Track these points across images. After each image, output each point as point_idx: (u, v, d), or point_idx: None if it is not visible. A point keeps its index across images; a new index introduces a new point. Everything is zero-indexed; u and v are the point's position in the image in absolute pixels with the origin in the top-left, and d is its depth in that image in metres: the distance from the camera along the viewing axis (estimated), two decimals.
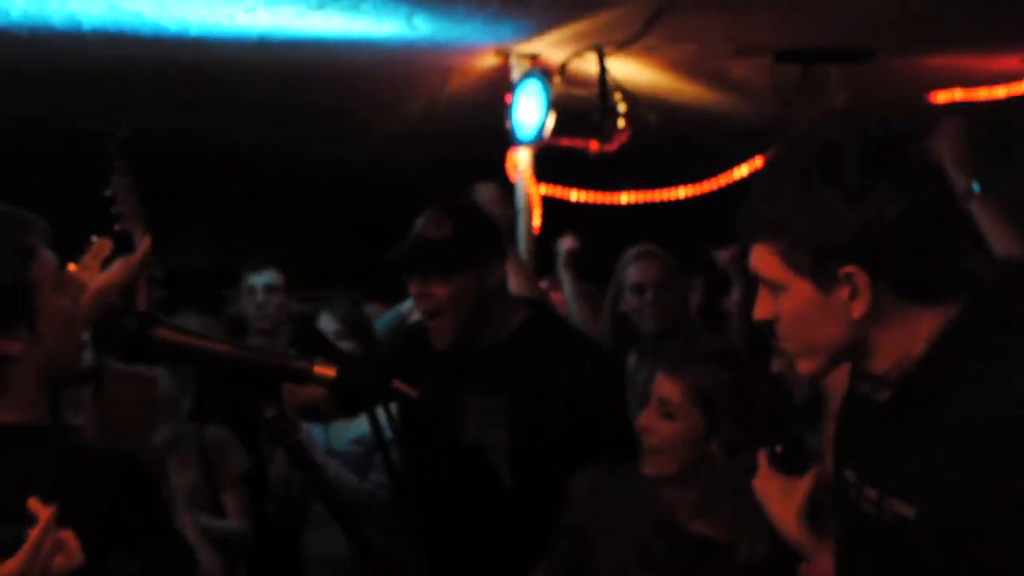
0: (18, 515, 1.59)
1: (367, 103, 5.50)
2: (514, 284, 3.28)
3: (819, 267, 1.52)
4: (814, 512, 1.85)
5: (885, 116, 4.89)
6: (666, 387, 2.27)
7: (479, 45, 4.55)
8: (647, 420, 2.29)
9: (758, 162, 4.74)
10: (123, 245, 2.53)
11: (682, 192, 5.03)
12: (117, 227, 2.53)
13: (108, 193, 2.55)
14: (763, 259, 1.57)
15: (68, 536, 1.56)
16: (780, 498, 1.87)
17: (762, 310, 1.62)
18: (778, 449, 1.85)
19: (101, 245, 2.78)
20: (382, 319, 4.42)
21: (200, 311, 4.05)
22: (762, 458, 1.89)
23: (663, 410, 2.25)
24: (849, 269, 1.50)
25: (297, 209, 7.12)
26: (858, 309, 1.52)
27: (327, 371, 1.47)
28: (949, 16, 4.24)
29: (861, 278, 1.50)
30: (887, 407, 1.59)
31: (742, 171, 4.86)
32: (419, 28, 4.29)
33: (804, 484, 1.85)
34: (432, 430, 2.80)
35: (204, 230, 7.59)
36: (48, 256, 1.82)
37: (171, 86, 5.16)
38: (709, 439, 2.21)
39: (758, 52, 4.48)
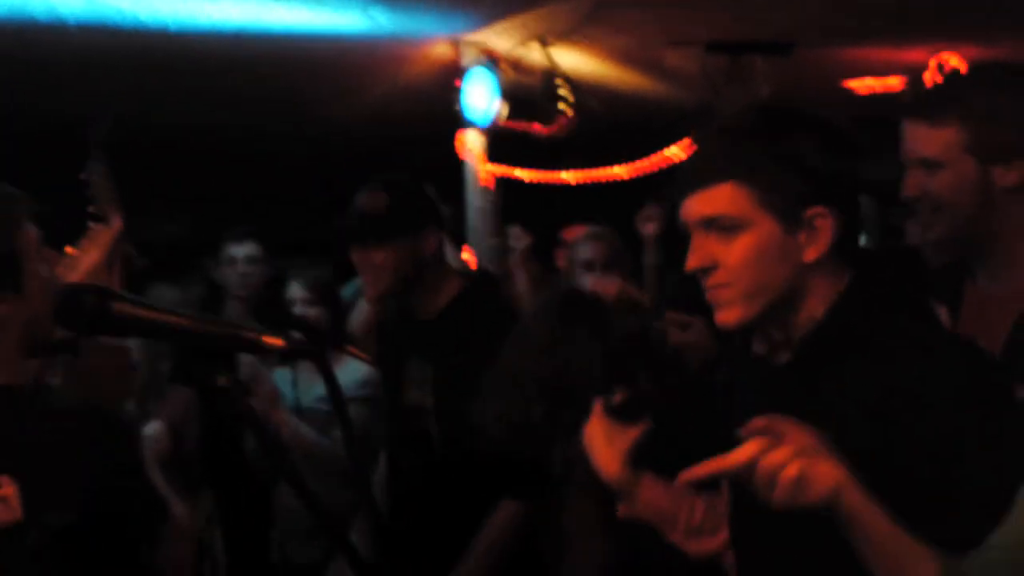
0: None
1: (330, 88, 5.46)
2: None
3: (789, 206, 1.50)
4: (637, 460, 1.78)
5: (805, 103, 4.91)
6: None
7: (432, 36, 4.55)
8: None
9: (688, 143, 4.75)
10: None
11: (619, 170, 5.03)
12: (91, 208, 2.51)
13: (83, 176, 2.52)
14: (728, 197, 1.52)
15: (9, 492, 1.57)
16: (605, 443, 1.79)
17: (700, 258, 1.55)
18: (617, 399, 1.78)
19: (98, 230, 2.76)
20: (348, 286, 4.40)
21: (177, 281, 4.01)
22: (598, 405, 1.81)
23: None
24: (818, 210, 1.49)
25: (267, 185, 7.06)
26: (814, 252, 1.51)
27: (275, 341, 1.45)
28: (862, 11, 4.26)
29: (827, 221, 1.50)
30: (788, 369, 1.59)
31: (673, 151, 4.87)
32: (376, 20, 4.27)
33: (633, 433, 1.78)
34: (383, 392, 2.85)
35: (183, 204, 7.50)
36: (31, 227, 1.85)
37: (148, 75, 5.09)
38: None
39: (689, 43, 4.49)
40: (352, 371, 3.58)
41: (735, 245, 1.53)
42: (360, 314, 3.76)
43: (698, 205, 1.55)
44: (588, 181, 4.86)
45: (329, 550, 3.47)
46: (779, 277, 1.53)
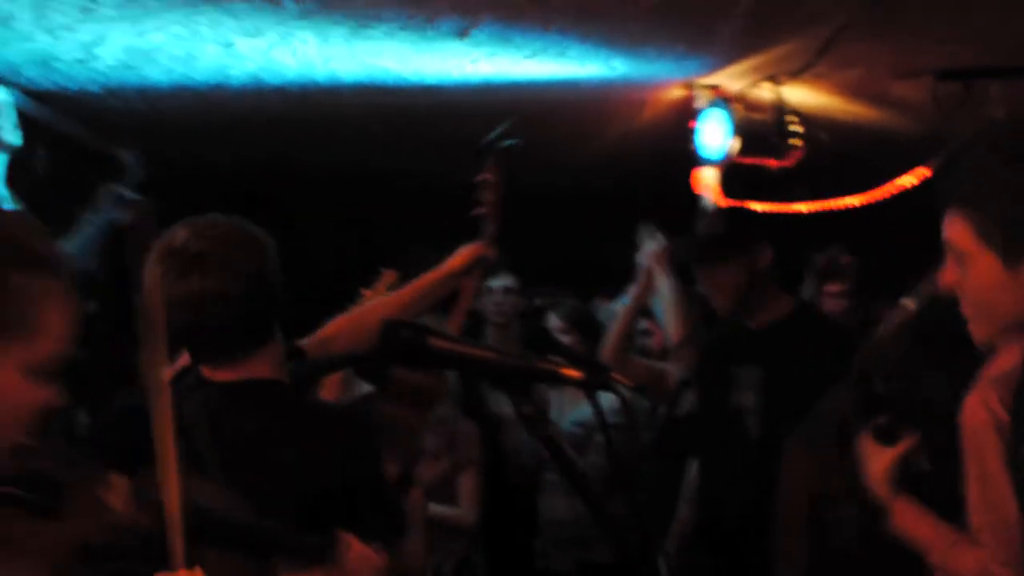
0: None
1: (572, 134, 5.47)
2: None
3: (1009, 240, 1.42)
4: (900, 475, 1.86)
5: None
6: None
7: (667, 80, 4.48)
8: None
9: (922, 172, 4.45)
10: None
11: (854, 201, 4.77)
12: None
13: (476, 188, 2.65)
14: (956, 228, 1.50)
15: None
16: (873, 460, 1.86)
17: (948, 276, 1.54)
18: (882, 421, 1.86)
19: (389, 275, 2.92)
20: (606, 309, 4.41)
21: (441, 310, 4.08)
22: (869, 427, 1.89)
23: None
24: None
25: (518, 222, 7.16)
26: None
27: (573, 373, 1.42)
28: None
29: None
30: None
31: (907, 180, 4.57)
32: (616, 68, 4.25)
33: (894, 452, 1.84)
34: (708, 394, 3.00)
35: (441, 239, 7.70)
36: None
37: (410, 127, 5.25)
38: None
39: (920, 73, 4.21)
40: (607, 398, 3.54)
41: (965, 272, 1.51)
42: (608, 340, 3.71)
43: (944, 228, 1.55)
44: (821, 211, 4.64)
45: (584, 561, 3.44)
46: (1006, 307, 1.44)
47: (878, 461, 1.86)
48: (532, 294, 4.51)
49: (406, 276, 2.65)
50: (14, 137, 3.39)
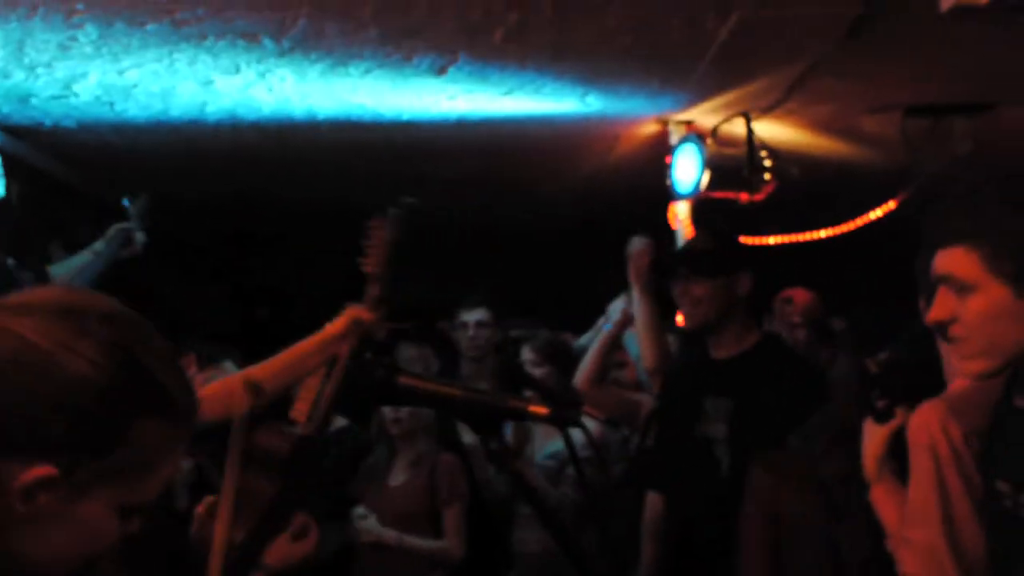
0: None
1: (546, 168, 5.52)
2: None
3: (1022, 269, 1.43)
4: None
5: (1006, 162, 4.59)
6: None
7: (642, 116, 4.52)
8: None
9: (890, 205, 4.51)
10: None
11: (823, 233, 4.82)
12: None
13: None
14: (960, 260, 1.49)
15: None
16: (868, 439, 1.90)
17: (941, 311, 1.53)
18: (880, 405, 1.90)
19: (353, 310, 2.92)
20: (581, 339, 4.42)
21: (419, 341, 4.11)
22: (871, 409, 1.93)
23: None
24: None
25: (494, 256, 7.19)
26: None
27: (540, 410, 1.43)
28: None
29: None
30: None
31: (876, 214, 4.63)
32: (591, 104, 4.29)
33: (883, 431, 1.87)
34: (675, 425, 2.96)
35: (422, 275, 7.71)
36: None
37: (387, 163, 5.28)
38: None
39: (889, 108, 4.28)
40: (577, 433, 3.55)
41: (968, 306, 1.49)
42: (582, 371, 3.73)
43: (939, 261, 1.53)
44: (791, 243, 4.68)
45: None
46: (1013, 339, 1.44)
47: (872, 440, 1.90)
48: (507, 327, 4.51)
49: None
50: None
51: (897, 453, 1.88)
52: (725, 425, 2.74)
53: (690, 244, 3.03)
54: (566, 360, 3.71)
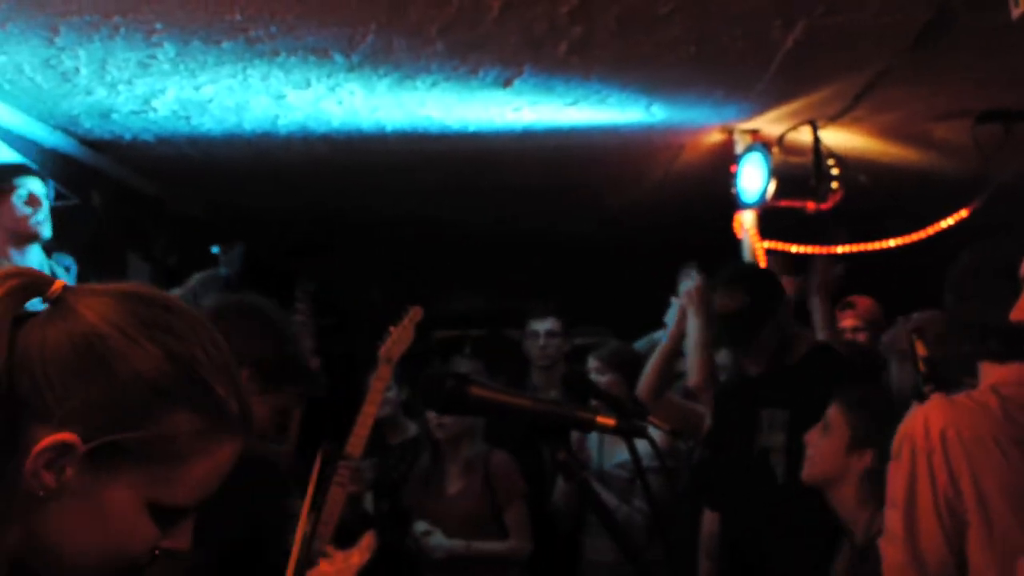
0: None
1: (611, 178, 5.52)
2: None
3: None
4: None
5: None
6: None
7: (707, 125, 4.50)
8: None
9: (962, 214, 4.42)
10: None
11: (892, 242, 4.75)
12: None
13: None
14: None
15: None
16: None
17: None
18: (928, 390, 1.95)
19: (416, 311, 3.01)
20: (638, 342, 4.43)
21: (470, 355, 4.16)
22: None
23: None
24: None
25: (557, 266, 7.21)
26: None
27: (608, 421, 1.45)
28: None
29: None
30: None
31: (947, 222, 4.54)
32: (656, 114, 4.29)
33: None
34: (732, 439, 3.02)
35: (484, 283, 7.77)
36: None
37: (454, 174, 5.33)
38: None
39: (960, 115, 4.20)
40: (620, 452, 3.55)
41: None
42: (644, 380, 3.73)
43: None
44: (860, 252, 4.62)
45: None
46: None
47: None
48: (574, 336, 4.53)
49: (436, 313, 2.75)
50: (49, 230, 3.47)
51: None
52: (783, 434, 2.76)
53: (720, 309, 3.05)
54: (631, 369, 3.72)
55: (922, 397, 1.92)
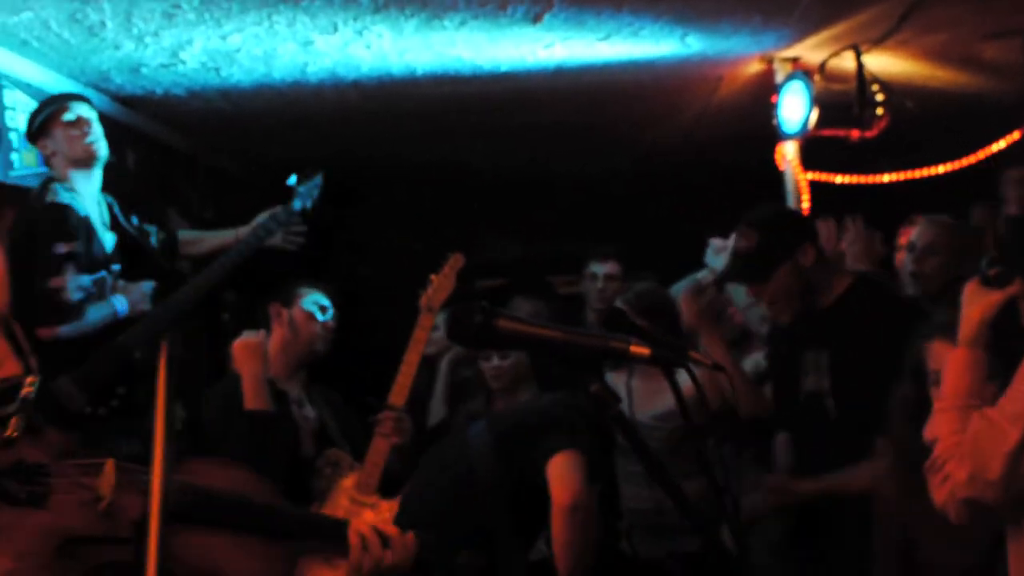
0: None
1: (647, 115, 5.46)
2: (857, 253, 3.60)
3: None
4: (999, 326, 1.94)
5: None
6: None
7: (745, 55, 4.44)
8: None
9: (1015, 136, 4.32)
10: None
11: (941, 169, 4.66)
12: None
13: None
14: None
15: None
16: (974, 300, 1.94)
17: None
18: (992, 272, 1.92)
19: (456, 258, 3.06)
20: (676, 285, 4.41)
21: (532, 295, 4.17)
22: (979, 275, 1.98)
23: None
24: None
25: (589, 210, 7.17)
26: None
27: (642, 349, 1.45)
28: None
29: None
30: None
31: (999, 145, 4.44)
32: (691, 46, 4.24)
33: (997, 295, 1.92)
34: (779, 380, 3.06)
35: (519, 229, 7.75)
36: None
37: (486, 116, 5.30)
38: None
39: (1010, 34, 4.08)
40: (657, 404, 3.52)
41: None
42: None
43: None
44: (908, 180, 4.54)
45: (672, 551, 3.45)
46: None
47: (979, 301, 1.93)
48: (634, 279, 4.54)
49: (476, 262, 2.75)
50: (104, 148, 3.56)
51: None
52: (828, 377, 2.75)
53: (733, 250, 3.01)
54: (661, 313, 3.66)
55: (998, 280, 1.93)
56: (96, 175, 3.56)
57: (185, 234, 4.02)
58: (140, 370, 3.36)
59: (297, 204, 3.74)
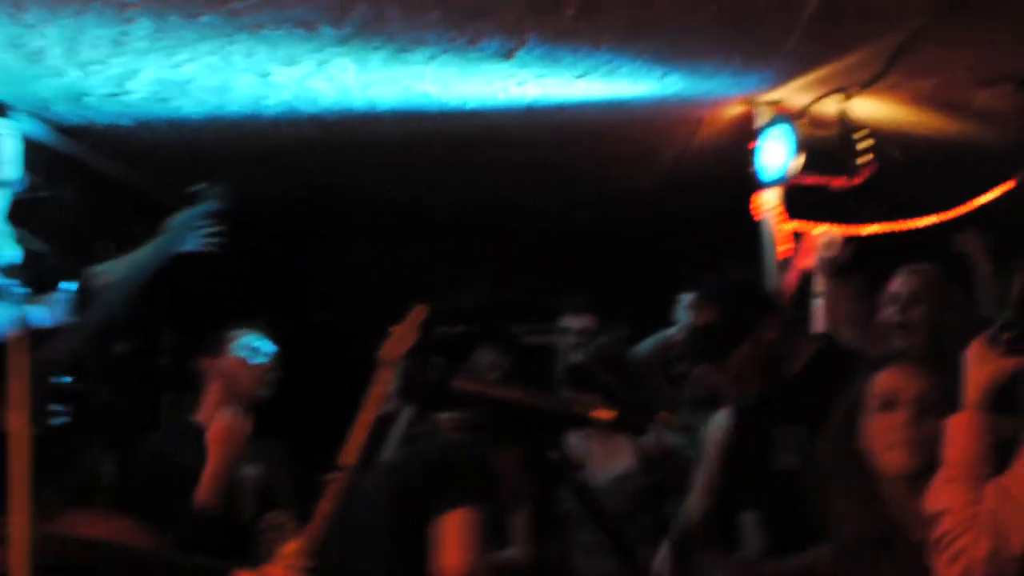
0: None
1: (623, 156, 5.45)
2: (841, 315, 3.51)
3: None
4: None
5: None
6: None
7: (726, 97, 4.41)
8: None
9: (1008, 185, 4.35)
10: None
11: (927, 220, 4.68)
12: None
13: None
14: None
15: None
16: (983, 363, 1.90)
17: None
18: (1006, 336, 1.87)
19: (419, 310, 2.97)
20: (644, 343, 4.38)
21: (494, 346, 4.12)
22: (987, 333, 1.93)
23: None
24: None
25: (567, 253, 7.15)
26: None
27: (604, 414, 1.41)
28: None
29: None
30: None
31: (990, 196, 4.47)
32: (671, 85, 4.21)
33: (1008, 363, 1.88)
34: (748, 457, 2.88)
35: (486, 269, 7.72)
36: None
37: (453, 154, 5.29)
38: None
39: (1001, 80, 4.13)
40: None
41: None
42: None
43: None
44: (892, 232, 4.55)
45: None
46: None
47: (989, 365, 1.89)
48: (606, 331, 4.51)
49: (438, 308, 2.68)
50: (14, 171, 3.41)
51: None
52: (796, 455, 2.69)
53: (692, 326, 2.96)
54: (622, 368, 3.62)
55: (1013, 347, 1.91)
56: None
57: (102, 267, 3.89)
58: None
59: (206, 207, 3.69)
